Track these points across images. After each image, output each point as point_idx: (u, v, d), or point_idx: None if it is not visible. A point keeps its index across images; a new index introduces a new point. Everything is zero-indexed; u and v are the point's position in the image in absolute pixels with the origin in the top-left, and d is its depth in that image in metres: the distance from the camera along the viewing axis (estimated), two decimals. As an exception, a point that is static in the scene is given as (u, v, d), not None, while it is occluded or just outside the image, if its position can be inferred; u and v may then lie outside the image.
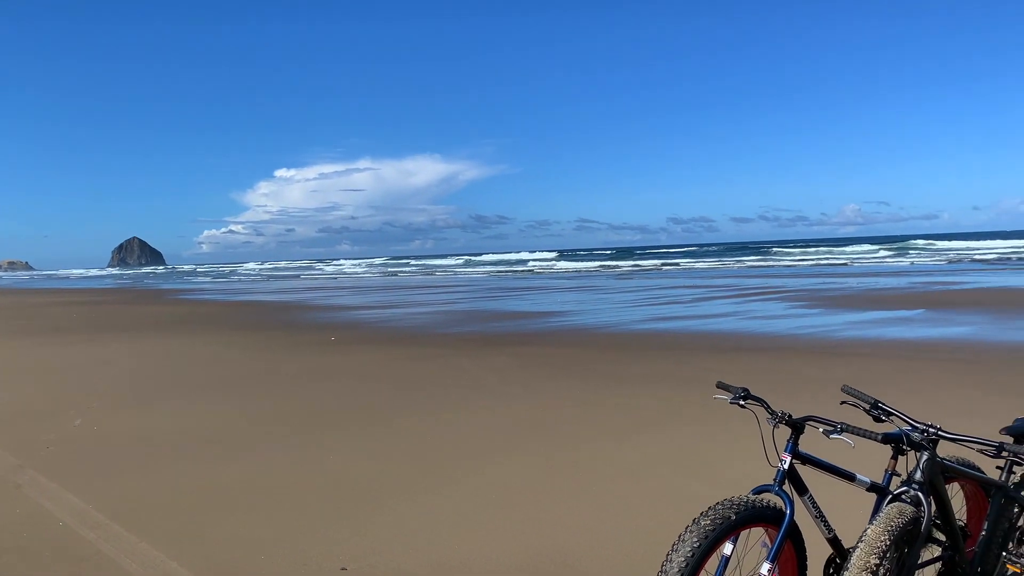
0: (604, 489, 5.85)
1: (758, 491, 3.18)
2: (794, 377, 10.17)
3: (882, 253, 66.24)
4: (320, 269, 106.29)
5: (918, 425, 3.26)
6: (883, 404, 3.33)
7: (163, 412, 9.18)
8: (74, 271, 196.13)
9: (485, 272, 67.82)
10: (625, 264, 70.29)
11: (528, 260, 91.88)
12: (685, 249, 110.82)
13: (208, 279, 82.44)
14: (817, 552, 3.35)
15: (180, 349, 15.81)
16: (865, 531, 2.98)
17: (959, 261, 49.81)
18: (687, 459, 6.54)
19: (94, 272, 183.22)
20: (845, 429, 3.15)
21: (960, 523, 3.39)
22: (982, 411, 7.74)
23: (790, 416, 3.21)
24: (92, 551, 4.89)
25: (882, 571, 2.93)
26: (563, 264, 76.79)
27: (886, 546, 2.87)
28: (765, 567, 3.05)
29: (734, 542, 3.06)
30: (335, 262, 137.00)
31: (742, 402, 3.35)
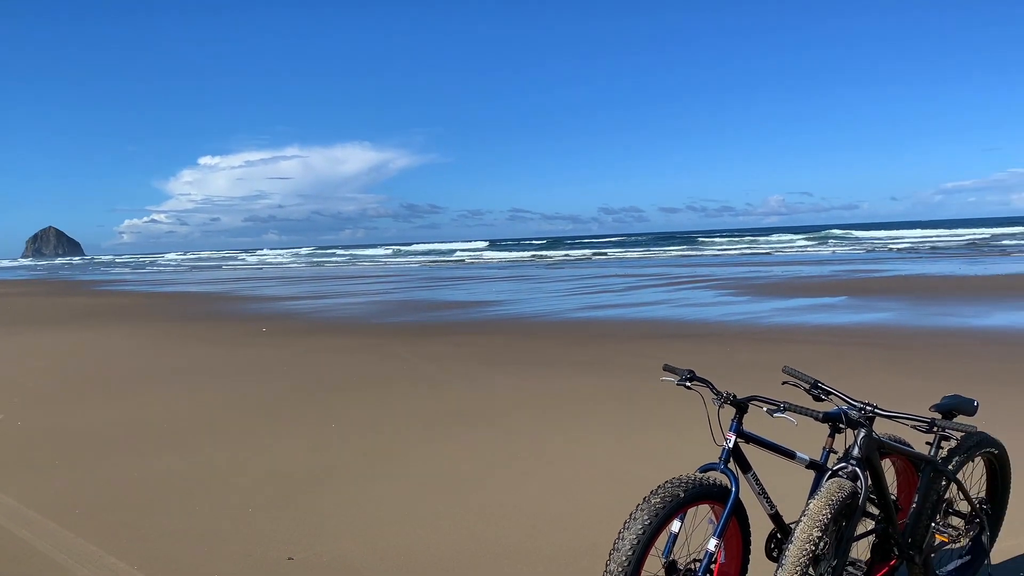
0: (548, 474, 5.92)
1: (704, 469, 3.27)
2: (727, 362, 10.44)
3: (802, 243, 68.27)
4: (243, 259, 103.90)
5: (856, 404, 3.40)
6: (822, 384, 3.46)
7: (89, 406, 8.88)
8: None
9: (416, 262, 67.42)
10: (556, 254, 70.80)
11: (456, 250, 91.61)
12: (615, 239, 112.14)
13: (128, 270, 79.82)
14: (760, 528, 3.47)
15: (103, 342, 15.29)
16: (807, 506, 3.10)
17: (874, 250, 51.68)
18: (629, 443, 6.66)
19: (5, 263, 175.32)
20: (788, 408, 3.26)
21: (892, 497, 3.55)
22: (905, 393, 8.09)
23: (734, 396, 3.31)
24: (26, 549, 4.72)
25: (823, 544, 3.05)
26: (493, 254, 76.88)
27: (828, 519, 2.99)
28: (712, 543, 3.15)
29: (682, 519, 3.15)
30: (259, 252, 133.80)
31: (688, 383, 3.44)
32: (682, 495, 3.09)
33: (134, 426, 7.83)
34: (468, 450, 6.63)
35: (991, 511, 3.98)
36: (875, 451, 3.38)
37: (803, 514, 3.04)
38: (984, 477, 4.04)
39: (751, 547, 3.40)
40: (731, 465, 3.28)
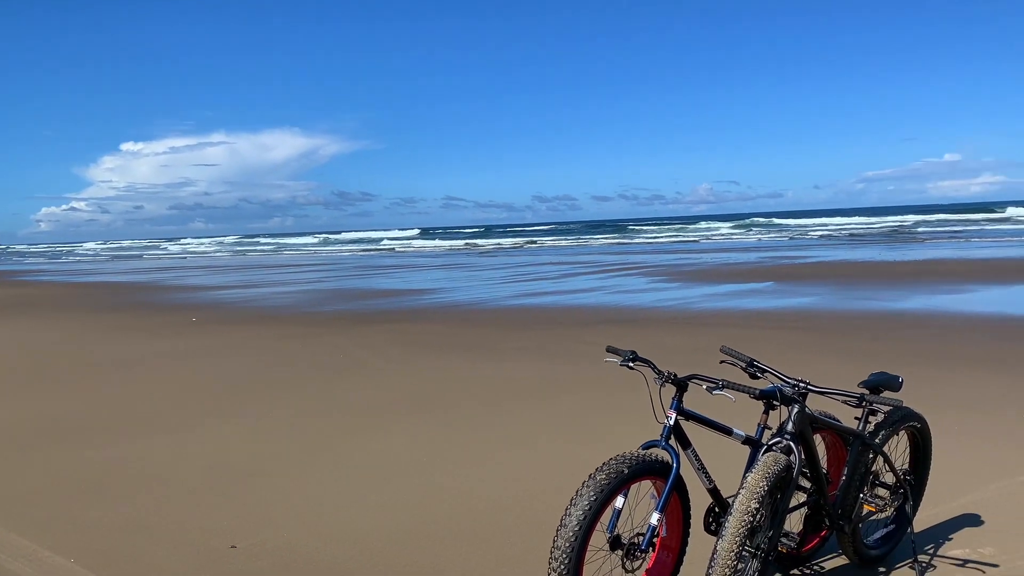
0: (492, 458, 5.99)
1: (647, 446, 3.38)
2: (659, 347, 10.67)
3: (727, 230, 69.85)
4: (165, 248, 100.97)
5: (789, 380, 3.56)
6: (758, 362, 3.61)
7: (16, 400, 8.58)
8: None
9: (347, 251, 66.63)
10: (489, 242, 70.84)
11: (383, 239, 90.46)
12: (548, 227, 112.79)
13: (44, 259, 76.81)
14: (698, 502, 3.60)
15: (26, 334, 14.74)
16: (744, 479, 3.23)
17: (798, 237, 53.19)
18: (570, 426, 6.77)
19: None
20: (726, 386, 3.39)
21: (823, 470, 3.73)
22: (831, 372, 8.41)
23: (675, 375, 3.43)
24: (-48, 546, 4.56)
25: (760, 515, 3.20)
26: (424, 243, 76.41)
27: (764, 492, 3.13)
28: (655, 517, 3.26)
29: (625, 495, 3.25)
30: (182, 240, 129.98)
31: (631, 363, 3.54)
32: (626, 471, 3.19)
33: (65, 418, 7.60)
34: (410, 437, 6.64)
35: (914, 482, 4.21)
36: (808, 426, 3.54)
37: (741, 487, 3.17)
38: (908, 450, 4.27)
39: (690, 521, 3.53)
40: (672, 442, 3.40)
